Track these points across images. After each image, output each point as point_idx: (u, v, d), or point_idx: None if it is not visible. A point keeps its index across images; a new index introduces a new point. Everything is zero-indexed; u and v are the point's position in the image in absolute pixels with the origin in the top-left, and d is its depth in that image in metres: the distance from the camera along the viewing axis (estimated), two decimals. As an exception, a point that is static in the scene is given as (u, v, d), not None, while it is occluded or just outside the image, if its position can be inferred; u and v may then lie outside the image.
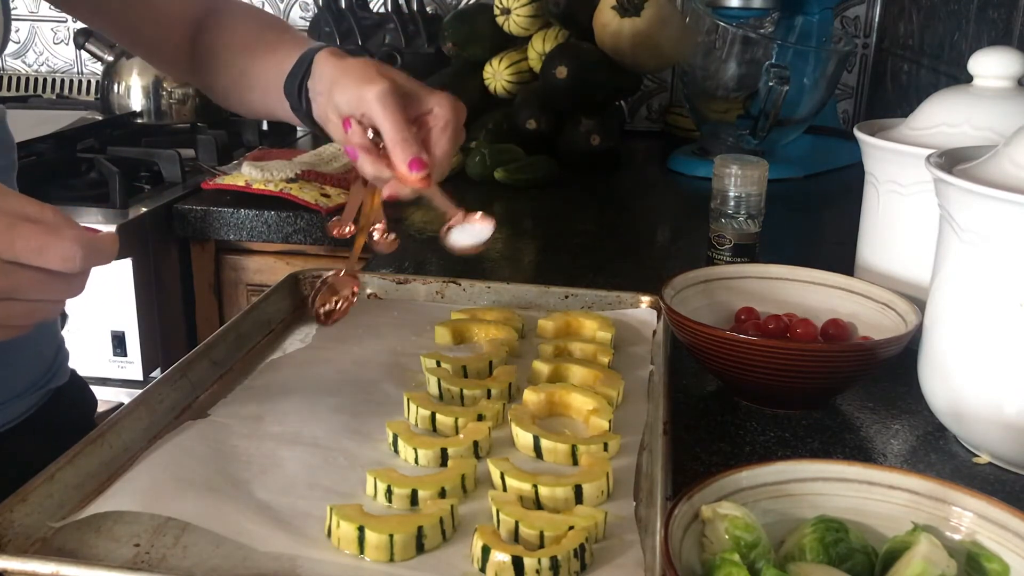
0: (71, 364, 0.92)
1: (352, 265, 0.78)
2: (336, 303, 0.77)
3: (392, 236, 0.81)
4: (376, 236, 0.80)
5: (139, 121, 1.85)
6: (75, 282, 0.55)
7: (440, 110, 0.75)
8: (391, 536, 0.57)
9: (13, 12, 2.22)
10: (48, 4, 0.89)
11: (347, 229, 0.80)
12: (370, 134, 0.74)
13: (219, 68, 0.90)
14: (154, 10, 0.91)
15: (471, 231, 0.75)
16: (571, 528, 0.58)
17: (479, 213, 0.75)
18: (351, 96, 0.74)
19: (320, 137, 1.91)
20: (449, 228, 0.76)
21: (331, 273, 0.78)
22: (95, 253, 0.53)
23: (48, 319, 0.57)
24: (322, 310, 0.77)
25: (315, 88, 0.79)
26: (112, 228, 1.33)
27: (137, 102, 1.86)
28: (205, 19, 0.91)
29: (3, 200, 0.52)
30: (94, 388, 1.42)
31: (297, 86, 0.81)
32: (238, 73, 0.88)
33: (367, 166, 0.74)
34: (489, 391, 0.77)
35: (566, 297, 0.97)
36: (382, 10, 2.04)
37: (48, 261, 0.52)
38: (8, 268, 0.51)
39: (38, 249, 0.51)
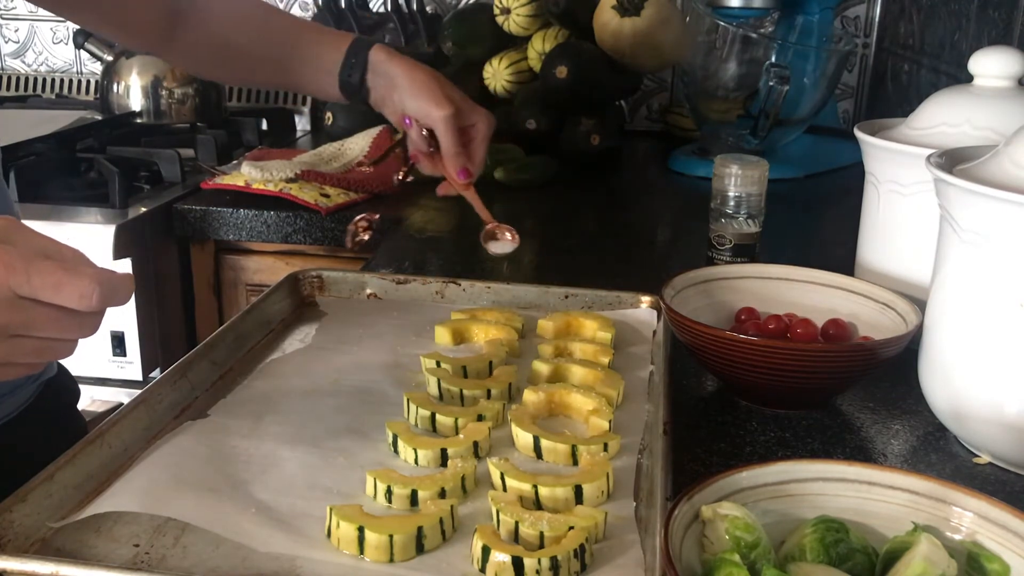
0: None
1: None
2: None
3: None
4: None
5: (138, 121, 1.85)
6: (89, 321, 0.54)
7: (481, 125, 1.05)
8: (391, 536, 0.57)
9: (12, 12, 2.22)
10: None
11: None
12: (424, 132, 1.03)
13: (208, 44, 1.03)
14: None
15: (503, 243, 1.11)
16: (571, 528, 0.58)
17: (508, 229, 1.11)
18: (419, 108, 1.01)
19: (320, 137, 1.92)
20: (487, 235, 1.09)
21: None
22: (112, 292, 0.52)
23: (58, 359, 0.56)
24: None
25: (375, 82, 1.03)
26: (112, 228, 1.33)
27: (136, 102, 1.86)
28: None
29: (21, 236, 0.52)
30: (94, 388, 1.43)
31: (359, 79, 1.03)
32: (237, 50, 1.04)
33: (425, 167, 1.07)
34: (489, 391, 0.77)
35: (566, 297, 0.97)
36: (382, 10, 2.03)
37: (65, 298, 0.51)
38: (24, 304, 0.51)
39: (55, 285, 0.51)
